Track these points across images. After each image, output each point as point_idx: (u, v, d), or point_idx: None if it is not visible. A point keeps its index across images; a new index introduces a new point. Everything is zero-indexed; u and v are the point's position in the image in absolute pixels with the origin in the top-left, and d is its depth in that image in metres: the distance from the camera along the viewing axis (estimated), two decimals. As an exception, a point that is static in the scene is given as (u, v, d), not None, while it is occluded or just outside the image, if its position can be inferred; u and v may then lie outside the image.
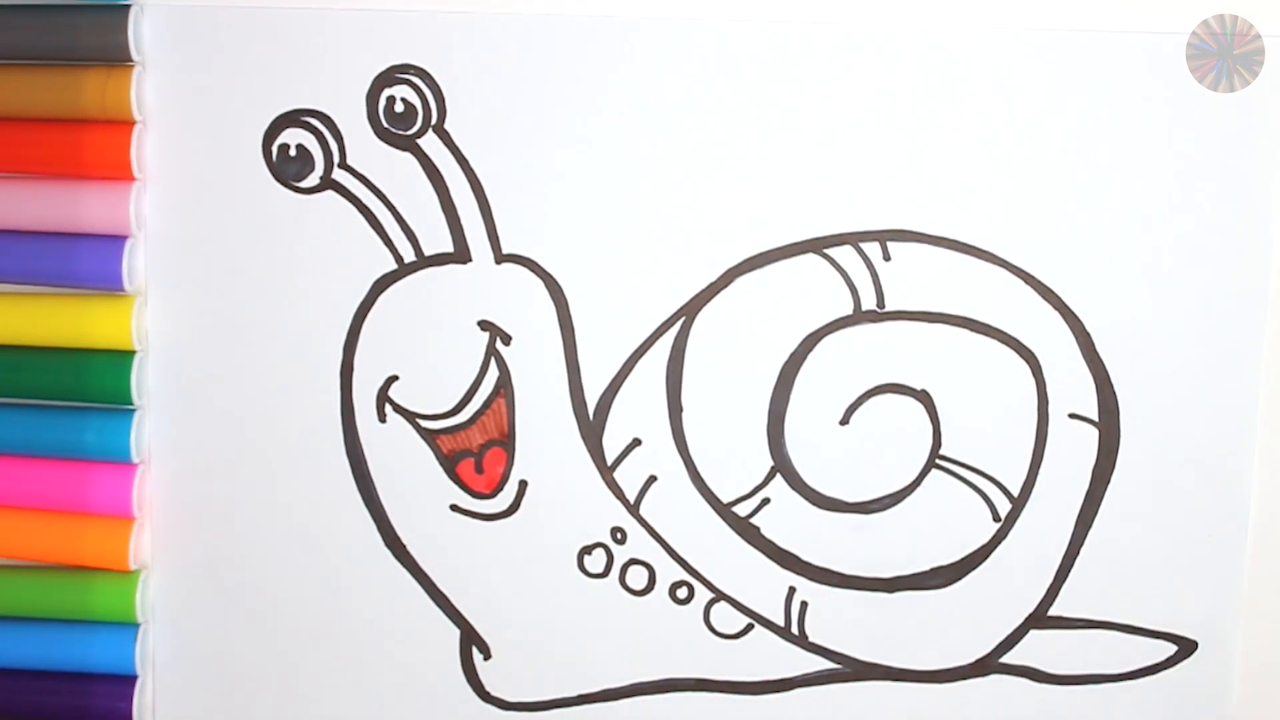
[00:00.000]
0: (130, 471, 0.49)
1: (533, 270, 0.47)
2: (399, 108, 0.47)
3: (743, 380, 0.47)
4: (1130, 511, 0.47)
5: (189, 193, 0.48)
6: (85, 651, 0.49)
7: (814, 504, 0.48)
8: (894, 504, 0.48)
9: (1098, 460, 0.47)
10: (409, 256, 0.48)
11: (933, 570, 0.48)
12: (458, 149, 0.47)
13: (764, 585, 0.48)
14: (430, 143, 0.47)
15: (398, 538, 0.49)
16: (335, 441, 0.49)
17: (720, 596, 0.48)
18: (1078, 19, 0.45)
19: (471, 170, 0.47)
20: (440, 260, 0.48)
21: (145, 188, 0.48)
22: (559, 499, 0.48)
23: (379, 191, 0.47)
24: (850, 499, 0.48)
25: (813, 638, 0.48)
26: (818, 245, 0.47)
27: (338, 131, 0.47)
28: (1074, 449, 0.47)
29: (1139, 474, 0.47)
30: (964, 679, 0.48)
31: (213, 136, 0.47)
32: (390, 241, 0.48)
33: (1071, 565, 0.47)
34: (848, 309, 0.47)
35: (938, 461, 0.47)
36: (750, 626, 0.49)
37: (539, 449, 0.48)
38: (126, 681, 0.50)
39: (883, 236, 0.46)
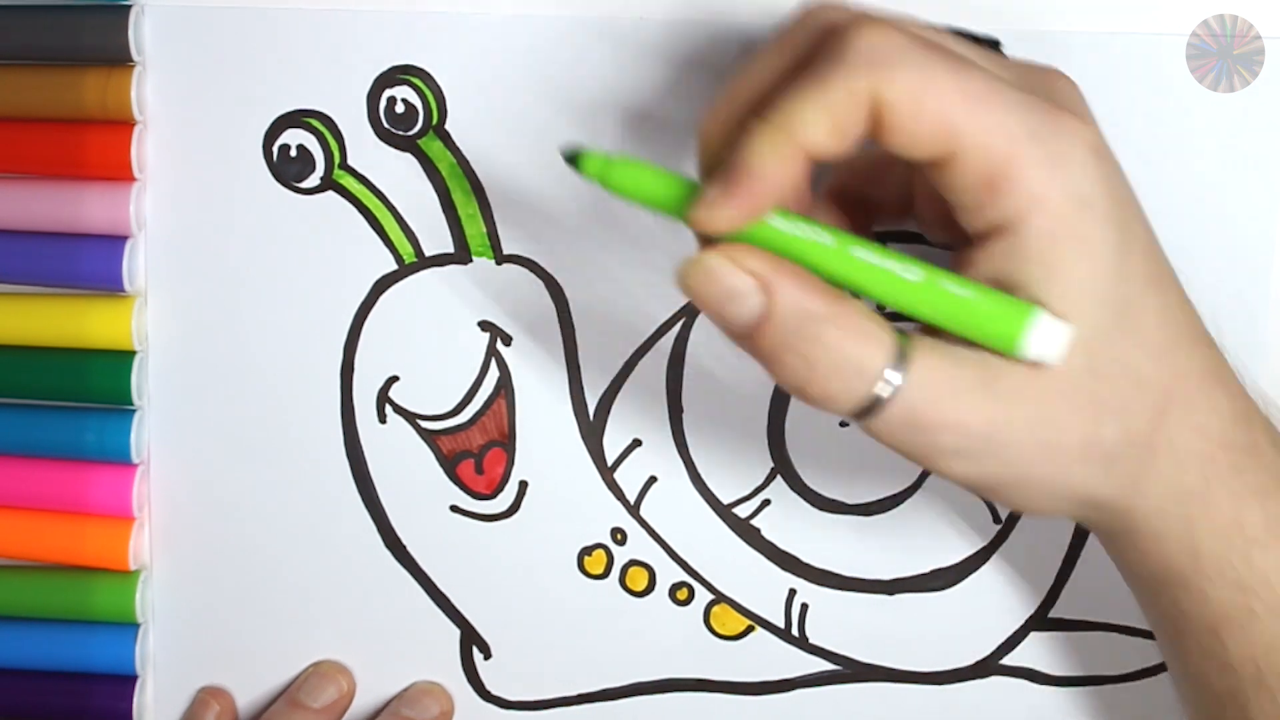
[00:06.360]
0: (130, 471, 0.49)
1: (533, 270, 0.47)
2: (400, 108, 0.47)
3: (743, 381, 0.47)
4: (1130, 513, 0.47)
5: (189, 193, 0.48)
6: (85, 651, 0.49)
7: (815, 506, 0.48)
8: (894, 506, 0.48)
9: (1098, 461, 0.47)
10: (409, 257, 0.48)
11: (933, 572, 0.48)
12: (458, 149, 0.47)
13: (764, 587, 0.48)
14: (431, 143, 0.47)
15: (398, 538, 0.49)
16: (335, 442, 0.49)
17: (721, 598, 0.48)
18: (1078, 19, 0.45)
19: (471, 170, 0.47)
20: (440, 261, 0.48)
21: (145, 188, 0.48)
22: (559, 500, 0.48)
23: (379, 192, 0.47)
24: (851, 501, 0.48)
25: (813, 639, 0.48)
26: (818, 246, 0.47)
27: (338, 132, 0.47)
28: (1074, 450, 0.47)
29: (1139, 475, 0.47)
30: (964, 680, 0.48)
31: (213, 136, 0.47)
32: (390, 242, 0.47)
33: (1072, 567, 0.47)
34: (848, 310, 0.47)
35: (938, 463, 0.47)
36: (750, 628, 0.49)
37: (539, 450, 0.48)
38: (126, 681, 0.50)
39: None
